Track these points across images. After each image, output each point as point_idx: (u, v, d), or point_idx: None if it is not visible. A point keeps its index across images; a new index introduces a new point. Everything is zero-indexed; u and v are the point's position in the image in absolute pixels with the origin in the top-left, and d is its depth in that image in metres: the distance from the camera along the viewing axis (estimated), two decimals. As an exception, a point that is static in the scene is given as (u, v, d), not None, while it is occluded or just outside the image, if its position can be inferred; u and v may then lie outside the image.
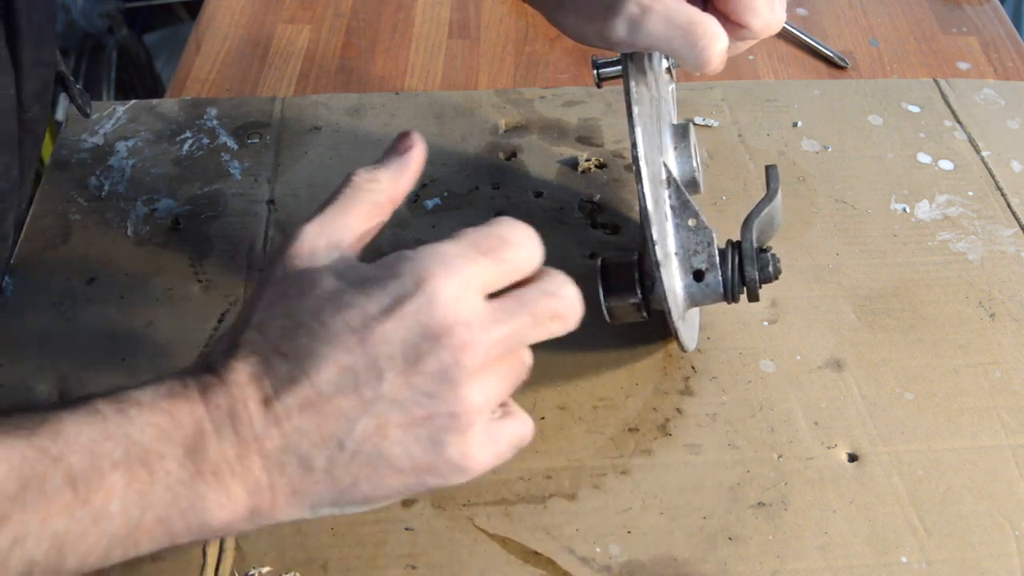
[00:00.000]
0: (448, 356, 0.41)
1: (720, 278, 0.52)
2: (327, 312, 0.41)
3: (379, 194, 0.48)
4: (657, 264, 0.50)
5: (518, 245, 0.44)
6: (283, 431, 0.40)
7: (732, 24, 0.50)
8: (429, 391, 0.41)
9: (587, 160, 0.72)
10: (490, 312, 0.42)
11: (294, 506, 0.41)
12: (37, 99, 0.51)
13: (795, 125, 0.75)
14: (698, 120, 0.75)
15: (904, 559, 0.50)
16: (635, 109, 0.51)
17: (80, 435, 0.38)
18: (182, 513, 0.39)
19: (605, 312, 0.55)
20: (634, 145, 0.51)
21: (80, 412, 0.39)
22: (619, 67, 0.54)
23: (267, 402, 0.40)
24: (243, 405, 0.40)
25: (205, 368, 0.42)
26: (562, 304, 0.44)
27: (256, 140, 0.73)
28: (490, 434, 0.42)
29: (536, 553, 0.50)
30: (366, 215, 0.47)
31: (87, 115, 0.63)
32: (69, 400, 0.40)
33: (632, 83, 0.52)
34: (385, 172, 0.48)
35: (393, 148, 0.49)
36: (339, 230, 0.45)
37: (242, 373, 0.41)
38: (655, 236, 0.50)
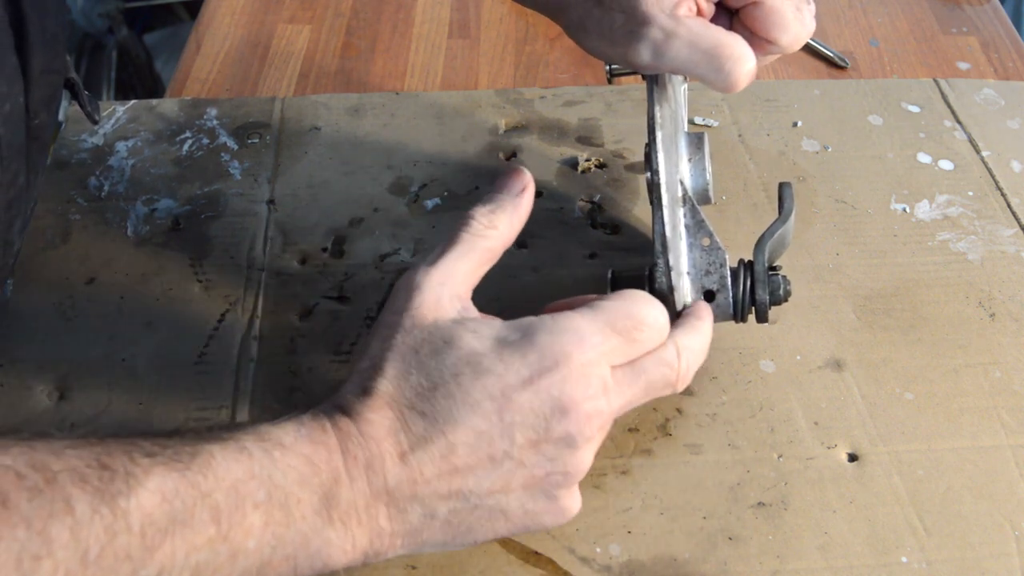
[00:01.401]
0: (573, 427, 0.43)
1: (730, 299, 0.52)
2: (466, 376, 0.43)
3: (495, 240, 0.49)
4: (671, 289, 0.51)
5: (651, 326, 0.46)
6: (414, 485, 0.42)
7: (759, 40, 0.50)
8: (551, 455, 0.44)
9: (587, 160, 0.71)
10: (613, 384, 0.45)
11: (406, 547, 0.44)
12: (45, 106, 0.51)
13: (795, 125, 0.75)
14: (698, 120, 0.75)
15: (904, 559, 0.50)
16: (659, 134, 0.51)
17: (228, 473, 0.39)
18: (309, 555, 0.41)
19: None
20: (656, 172, 0.51)
21: (229, 448, 0.40)
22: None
23: (403, 457, 0.42)
24: (380, 459, 0.42)
25: (339, 408, 0.44)
26: (675, 375, 0.47)
27: (256, 140, 0.73)
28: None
29: (536, 553, 0.50)
30: (481, 261, 0.48)
31: (95, 122, 0.63)
32: (216, 429, 0.42)
33: (656, 108, 0.51)
34: (503, 217, 0.49)
35: (506, 187, 0.51)
36: (458, 278, 0.47)
37: (379, 427, 0.43)
38: (671, 262, 0.50)
